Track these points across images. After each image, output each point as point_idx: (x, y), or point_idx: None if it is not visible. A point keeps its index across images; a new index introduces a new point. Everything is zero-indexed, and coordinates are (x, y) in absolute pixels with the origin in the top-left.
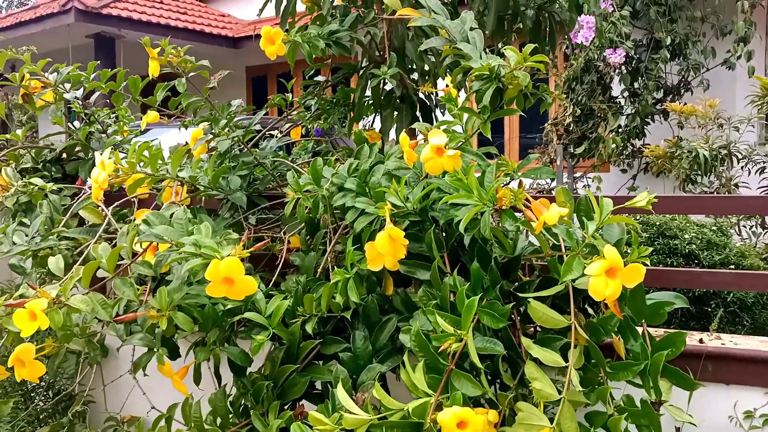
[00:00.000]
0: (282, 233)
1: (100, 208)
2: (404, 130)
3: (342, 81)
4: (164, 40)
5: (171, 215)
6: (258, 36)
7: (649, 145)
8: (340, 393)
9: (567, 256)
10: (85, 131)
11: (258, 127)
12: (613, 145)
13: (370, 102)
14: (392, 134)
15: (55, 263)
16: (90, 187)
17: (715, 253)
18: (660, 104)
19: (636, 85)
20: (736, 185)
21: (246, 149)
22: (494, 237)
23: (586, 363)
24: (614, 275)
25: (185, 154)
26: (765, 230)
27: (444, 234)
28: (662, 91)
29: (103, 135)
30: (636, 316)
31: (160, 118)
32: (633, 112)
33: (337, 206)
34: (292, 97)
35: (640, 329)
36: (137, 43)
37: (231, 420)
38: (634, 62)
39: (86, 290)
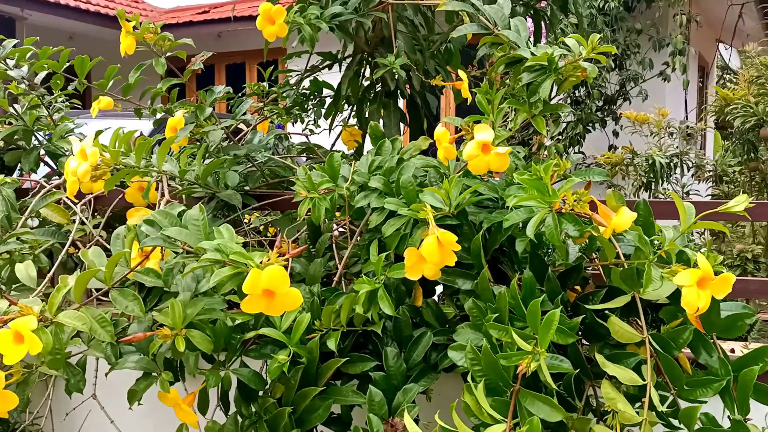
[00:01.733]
0: (282, 236)
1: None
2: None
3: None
4: (135, 14)
5: (179, 215)
6: (180, 25)
7: (583, 153)
8: (373, 419)
9: (633, 265)
10: (33, 116)
11: (248, 116)
12: (555, 152)
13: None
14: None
15: (26, 271)
16: (49, 181)
17: None
18: (600, 113)
19: (577, 93)
20: (688, 193)
21: (233, 142)
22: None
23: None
24: (705, 286)
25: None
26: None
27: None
28: (602, 100)
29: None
30: (708, 328)
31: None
32: (575, 119)
33: (358, 207)
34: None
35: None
36: (43, 27)
37: None
38: None
39: (77, 304)
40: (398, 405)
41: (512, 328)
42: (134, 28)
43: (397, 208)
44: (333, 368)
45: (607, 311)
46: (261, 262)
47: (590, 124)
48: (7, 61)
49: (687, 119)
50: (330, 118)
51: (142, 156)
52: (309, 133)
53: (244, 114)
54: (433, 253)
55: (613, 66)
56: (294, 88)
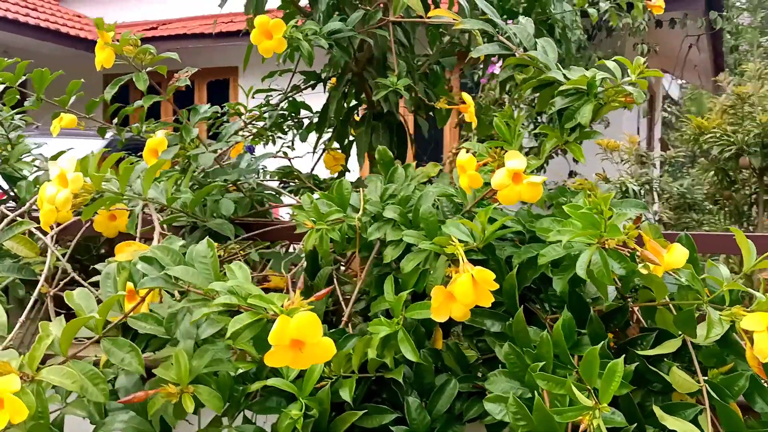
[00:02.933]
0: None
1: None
2: (459, 149)
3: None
4: (111, 24)
5: (181, 249)
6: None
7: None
8: None
9: (685, 306)
10: None
11: (238, 138)
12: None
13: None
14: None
15: None
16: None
17: None
18: None
19: (540, 119)
20: (660, 220)
21: (220, 166)
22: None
23: None
24: None
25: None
26: None
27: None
28: None
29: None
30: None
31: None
32: (538, 145)
33: (371, 240)
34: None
35: None
36: None
37: None
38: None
39: (63, 358)
40: None
41: (578, 383)
42: (114, 40)
43: (417, 242)
44: (349, 422)
45: (666, 359)
46: (282, 306)
47: (554, 150)
48: None
49: (639, 146)
50: (316, 140)
51: (126, 182)
52: (282, 156)
53: (234, 135)
54: (467, 292)
55: None
56: (275, 108)
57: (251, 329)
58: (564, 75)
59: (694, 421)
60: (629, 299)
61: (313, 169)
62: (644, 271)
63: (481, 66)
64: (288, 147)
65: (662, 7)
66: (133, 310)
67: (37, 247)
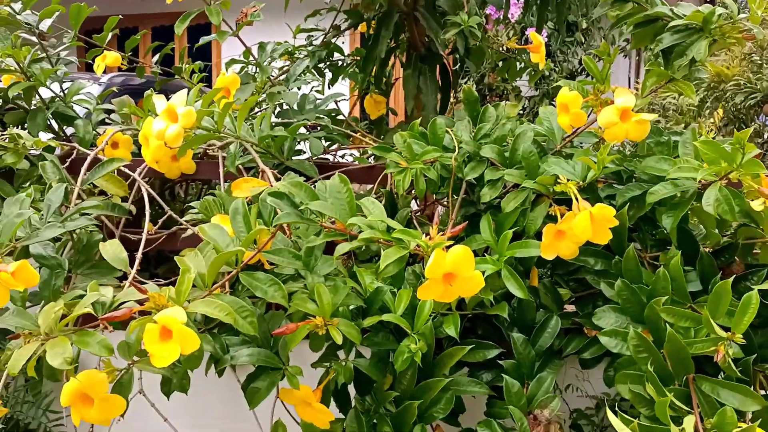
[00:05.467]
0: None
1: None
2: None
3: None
4: None
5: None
6: None
7: None
8: (516, 412)
9: None
10: (47, 72)
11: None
12: None
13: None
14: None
15: (113, 251)
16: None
17: None
18: None
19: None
20: None
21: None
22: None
23: None
24: None
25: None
26: None
27: None
28: (566, 75)
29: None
30: None
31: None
32: (540, 94)
33: (468, 179)
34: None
35: None
36: None
37: None
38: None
39: (205, 291)
40: (533, 396)
41: (705, 310)
42: None
43: (520, 181)
44: (457, 357)
45: None
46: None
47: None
48: (13, 5)
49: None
50: (361, 82)
51: (224, 119)
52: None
53: (303, 75)
54: (586, 229)
55: (583, 40)
56: (320, 48)
57: (396, 264)
58: (672, 11)
59: None
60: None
61: (350, 114)
62: (759, 208)
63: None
64: (317, 91)
65: None
66: (264, 246)
67: (126, 185)
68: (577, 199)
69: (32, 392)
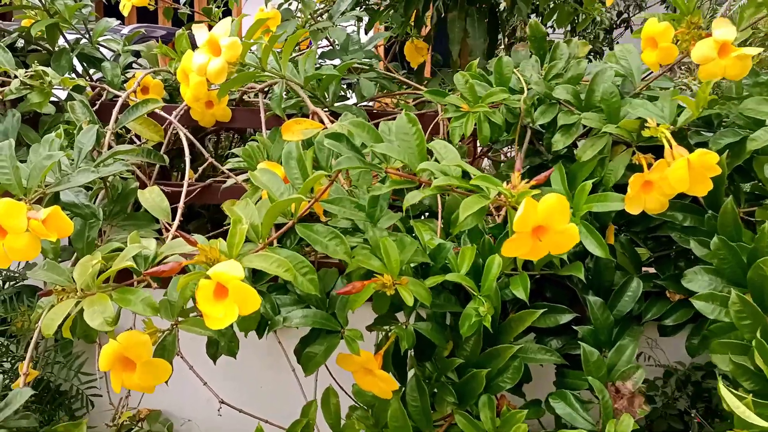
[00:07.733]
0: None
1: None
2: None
3: None
4: None
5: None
6: None
7: None
8: (596, 384)
9: None
10: (72, 8)
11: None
12: None
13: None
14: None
15: (153, 200)
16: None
17: None
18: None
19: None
20: None
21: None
22: None
23: None
24: None
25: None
26: None
27: None
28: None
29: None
30: None
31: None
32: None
33: (540, 124)
34: None
35: None
36: None
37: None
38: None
39: (260, 245)
40: (612, 365)
41: None
42: None
43: (599, 126)
44: (528, 321)
45: None
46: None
47: (591, 54)
48: None
49: None
50: (402, 26)
51: (268, 55)
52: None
53: (350, 10)
54: (683, 179)
55: None
56: None
57: (475, 216)
58: None
59: None
60: None
61: (390, 60)
62: None
63: None
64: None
65: None
66: (322, 195)
67: (161, 129)
68: (671, 145)
69: (63, 353)
